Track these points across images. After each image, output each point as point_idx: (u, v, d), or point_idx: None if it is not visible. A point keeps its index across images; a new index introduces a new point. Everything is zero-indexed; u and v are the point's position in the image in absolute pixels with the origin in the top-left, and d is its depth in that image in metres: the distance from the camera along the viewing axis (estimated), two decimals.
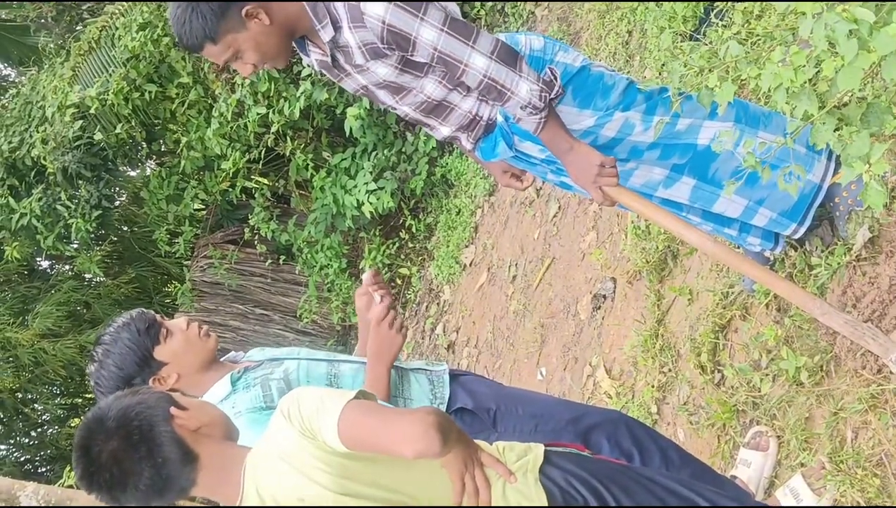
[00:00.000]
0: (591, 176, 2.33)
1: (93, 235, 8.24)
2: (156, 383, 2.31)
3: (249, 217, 7.90)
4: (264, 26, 2.19)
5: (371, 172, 6.87)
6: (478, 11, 6.90)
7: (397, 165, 7.01)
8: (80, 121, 7.50)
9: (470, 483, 1.75)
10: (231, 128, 7.18)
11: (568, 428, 2.34)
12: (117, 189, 9.70)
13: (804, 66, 1.69)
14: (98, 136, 7.53)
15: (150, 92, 7.34)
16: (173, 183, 8.10)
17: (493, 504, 1.75)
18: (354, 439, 1.63)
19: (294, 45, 2.39)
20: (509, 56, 2.22)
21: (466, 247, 6.71)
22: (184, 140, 7.46)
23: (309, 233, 7.49)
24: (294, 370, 2.33)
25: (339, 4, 2.19)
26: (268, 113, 6.95)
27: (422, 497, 1.73)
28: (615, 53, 5.01)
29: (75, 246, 8.77)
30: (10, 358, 10.02)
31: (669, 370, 3.44)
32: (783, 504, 2.55)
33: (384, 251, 7.56)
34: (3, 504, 4.23)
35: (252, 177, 7.79)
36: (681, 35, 4.00)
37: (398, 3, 2.13)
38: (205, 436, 1.80)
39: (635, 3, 4.84)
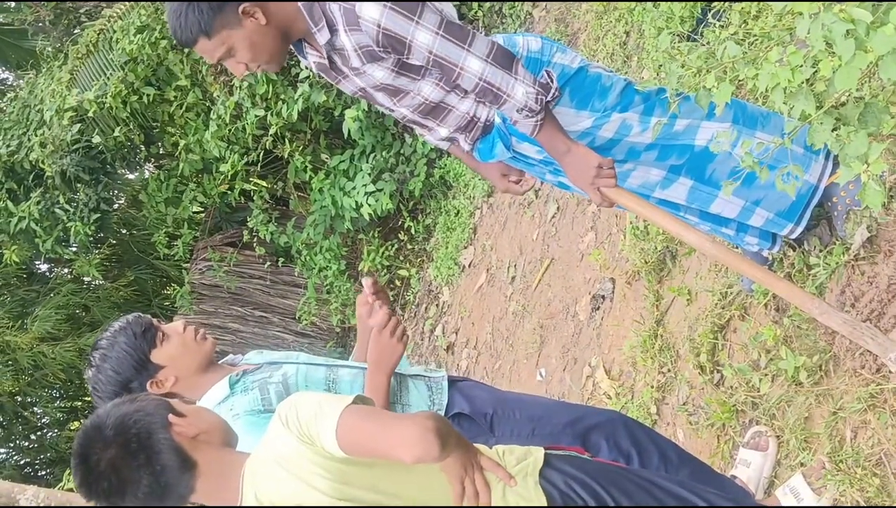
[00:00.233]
0: (589, 177, 2.33)
1: (91, 238, 8.23)
2: (153, 386, 2.31)
3: (248, 219, 7.90)
4: (260, 26, 2.19)
5: (370, 174, 6.87)
6: (475, 12, 6.90)
7: (396, 167, 7.01)
8: (79, 125, 7.49)
9: (470, 486, 1.75)
10: (229, 130, 7.18)
11: (566, 431, 2.34)
12: (116, 192, 9.69)
13: (801, 66, 1.69)
14: (96, 140, 7.52)
15: (148, 95, 7.34)
16: (172, 185, 8.10)
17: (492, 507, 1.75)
18: (353, 444, 1.63)
19: (292, 47, 2.39)
20: (505, 59, 2.22)
21: (465, 248, 6.70)
22: (182, 143, 7.46)
23: (308, 235, 7.49)
24: (292, 374, 2.33)
25: (334, 7, 2.19)
26: (266, 115, 6.94)
27: (421, 500, 1.73)
28: (613, 54, 5.01)
29: (74, 249, 8.76)
30: (10, 362, 10.00)
31: (668, 370, 3.44)
32: (783, 504, 2.55)
33: (383, 253, 7.56)
34: None
35: (250, 179, 7.79)
36: (678, 36, 4.01)
37: (393, 6, 2.13)
38: (203, 443, 1.79)
39: (632, 4, 4.84)
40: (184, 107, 7.43)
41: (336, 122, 7.10)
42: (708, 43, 3.63)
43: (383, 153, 6.98)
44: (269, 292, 8.66)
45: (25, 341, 9.68)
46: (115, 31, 7.44)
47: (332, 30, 2.23)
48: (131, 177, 10.40)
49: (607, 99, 2.46)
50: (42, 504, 4.49)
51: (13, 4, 10.59)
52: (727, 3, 3.70)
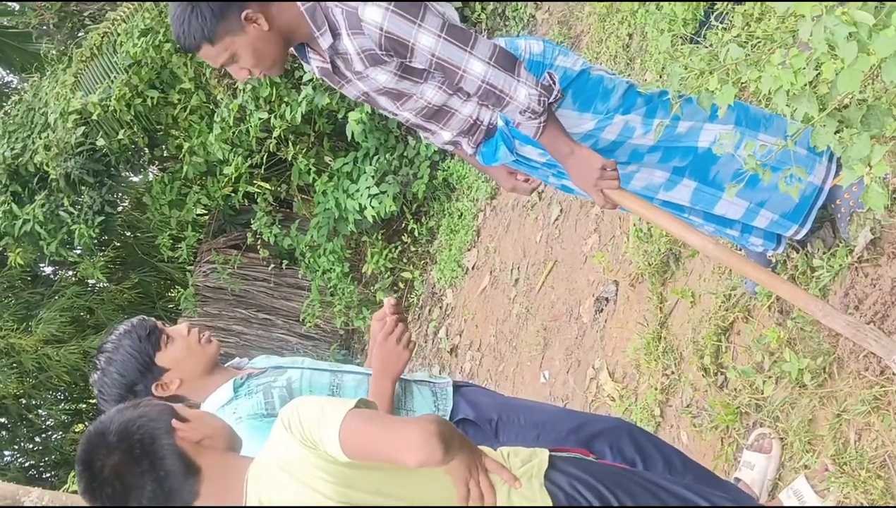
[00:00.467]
0: (593, 179, 2.33)
1: (96, 241, 8.24)
2: (158, 389, 2.31)
3: (252, 222, 7.91)
4: (262, 31, 2.19)
5: (373, 176, 6.87)
6: (478, 15, 6.90)
7: (399, 169, 7.02)
8: (83, 128, 7.51)
9: (475, 488, 1.75)
10: (233, 133, 7.19)
11: (570, 437, 2.34)
12: (120, 194, 9.71)
13: (804, 68, 1.69)
14: (100, 142, 7.54)
15: (152, 98, 7.36)
16: (176, 188, 8.12)
17: None
18: (356, 448, 1.63)
19: (295, 52, 2.39)
20: (507, 61, 2.22)
21: (469, 250, 6.71)
22: (186, 145, 7.47)
23: (311, 237, 7.50)
24: (297, 379, 2.34)
25: (337, 11, 2.19)
26: (269, 118, 6.95)
27: (426, 503, 1.73)
28: (616, 56, 5.01)
29: (78, 251, 8.77)
30: (14, 364, 10.02)
31: (672, 372, 3.44)
32: (787, 507, 2.55)
33: (386, 255, 7.56)
34: None
35: (254, 181, 7.80)
36: (681, 38, 4.01)
37: (396, 9, 2.13)
38: (207, 448, 1.79)
39: (635, 7, 4.85)
40: (187, 110, 7.44)
41: (339, 125, 7.11)
42: (711, 45, 3.63)
43: (387, 155, 6.98)
44: (273, 294, 8.67)
45: (30, 343, 9.70)
46: (119, 34, 7.46)
47: (335, 34, 2.23)
48: (135, 179, 10.42)
49: (610, 101, 2.46)
50: (46, 507, 4.49)
51: (17, 7, 10.62)
52: (730, 6, 3.69)
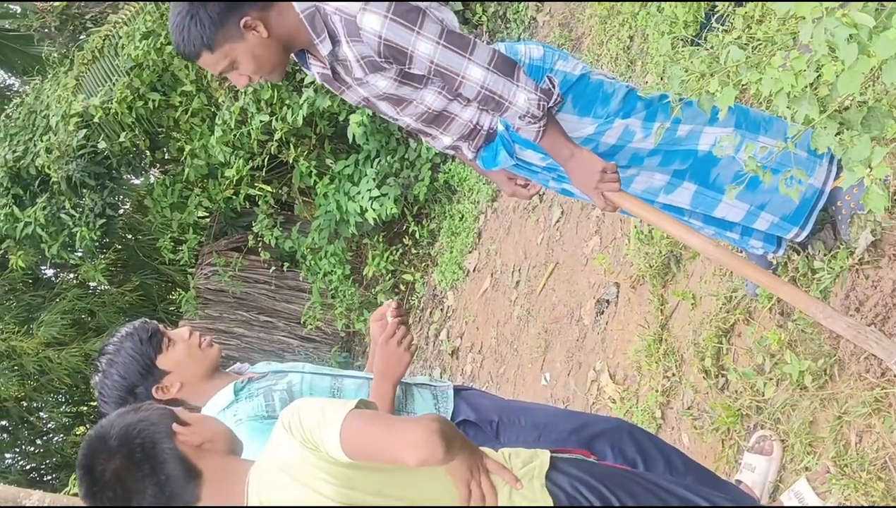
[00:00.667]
0: (593, 182, 2.34)
1: (97, 243, 8.25)
2: (159, 392, 2.32)
3: (253, 224, 7.91)
4: (262, 39, 2.20)
5: (374, 179, 6.88)
6: (479, 17, 6.91)
7: (400, 172, 7.02)
8: (84, 130, 7.52)
9: (476, 489, 1.75)
10: (234, 135, 7.20)
11: (571, 438, 2.34)
12: (121, 197, 9.72)
13: (805, 70, 1.69)
14: (102, 145, 7.55)
15: (153, 100, 7.36)
16: (177, 191, 8.12)
17: None
18: (357, 448, 1.63)
19: (296, 58, 2.40)
20: (506, 66, 2.23)
21: (470, 252, 6.71)
22: (187, 148, 7.48)
23: (312, 239, 7.50)
24: (298, 382, 2.34)
25: (336, 18, 2.20)
26: (271, 120, 6.96)
27: (427, 504, 1.73)
28: (617, 59, 5.02)
29: (80, 254, 8.78)
30: (16, 367, 10.03)
31: (673, 374, 3.44)
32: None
33: (388, 257, 7.57)
34: None
35: (255, 184, 7.81)
36: (682, 40, 4.01)
37: (394, 17, 2.14)
38: (208, 452, 1.79)
39: (636, 8, 4.85)
40: (189, 113, 7.45)
41: (341, 127, 7.12)
42: (711, 47, 3.64)
43: (388, 158, 6.99)
44: (274, 297, 8.67)
45: (31, 346, 9.71)
46: (120, 37, 7.47)
47: (335, 41, 2.24)
48: (137, 182, 10.44)
49: (610, 105, 2.47)
50: None
51: (18, 10, 10.63)
52: (731, 8, 3.70)
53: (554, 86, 2.28)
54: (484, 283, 6.27)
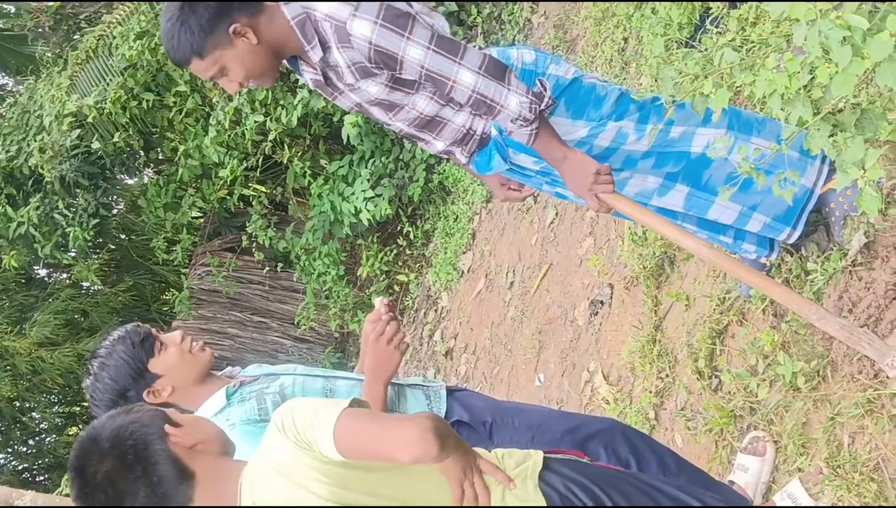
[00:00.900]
0: (587, 184, 2.34)
1: (90, 244, 8.24)
2: (150, 396, 2.31)
3: (247, 224, 7.91)
4: (251, 45, 2.20)
5: (368, 179, 6.88)
6: (474, 19, 6.92)
7: (395, 172, 7.02)
8: (78, 130, 7.50)
9: (469, 489, 1.75)
10: (228, 136, 7.19)
11: (564, 439, 2.35)
12: (115, 197, 9.70)
13: (798, 72, 1.70)
14: (96, 145, 7.53)
15: (147, 100, 7.35)
16: (171, 191, 8.11)
17: None
18: (351, 447, 1.63)
19: (288, 64, 2.40)
20: (497, 70, 2.23)
21: (464, 253, 6.71)
22: (181, 148, 7.47)
23: (307, 240, 7.49)
24: (290, 385, 2.34)
25: (326, 25, 2.19)
26: (265, 121, 6.96)
27: (421, 504, 1.73)
28: (611, 60, 5.03)
29: (73, 254, 8.76)
30: (8, 367, 9.99)
31: (667, 375, 3.45)
32: None
33: (382, 258, 7.56)
34: None
35: (250, 184, 7.80)
36: (677, 42, 4.02)
37: (384, 23, 2.14)
38: (200, 453, 1.79)
39: (631, 9, 4.86)
40: (183, 113, 7.44)
41: (335, 128, 7.11)
42: (706, 49, 3.65)
43: (382, 158, 6.99)
44: (268, 297, 8.66)
45: (24, 346, 9.68)
46: (114, 37, 7.46)
47: (325, 47, 2.24)
48: (130, 182, 10.42)
49: (602, 108, 2.47)
50: None
51: (12, 10, 10.61)
52: (725, 10, 3.71)
53: (545, 89, 2.28)
54: (478, 284, 6.28)
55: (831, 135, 1.75)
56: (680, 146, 2.53)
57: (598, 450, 2.35)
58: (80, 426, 12.76)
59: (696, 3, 3.97)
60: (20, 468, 13.88)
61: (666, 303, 3.66)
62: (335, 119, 6.90)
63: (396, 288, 7.68)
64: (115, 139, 7.48)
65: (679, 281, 3.63)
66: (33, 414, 13.28)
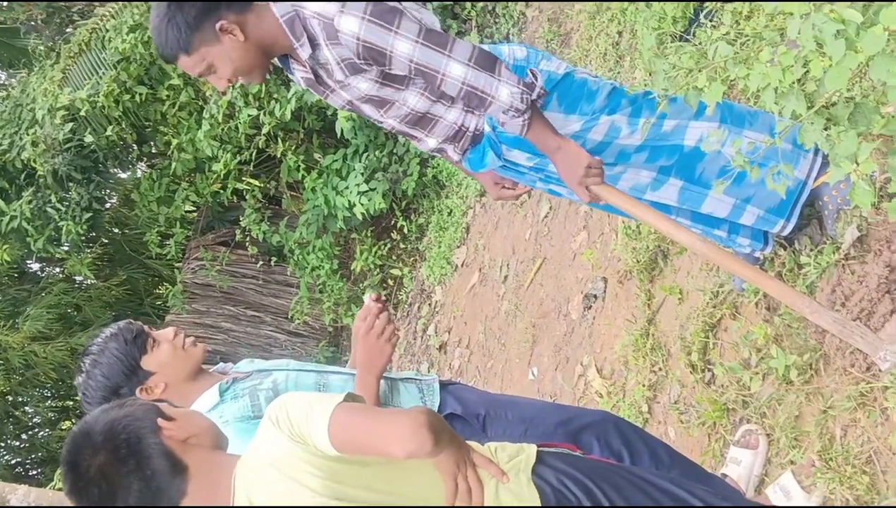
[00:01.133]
0: (579, 175, 2.33)
1: (83, 237, 8.22)
2: (143, 393, 2.31)
3: (241, 218, 7.90)
4: (238, 42, 2.20)
5: (362, 173, 6.87)
6: (468, 13, 6.91)
7: (389, 166, 7.02)
8: (71, 124, 7.48)
9: (462, 483, 1.75)
10: (222, 129, 7.18)
11: (557, 431, 2.35)
12: (108, 191, 9.68)
13: (792, 66, 1.70)
14: (88, 139, 7.51)
15: (140, 94, 7.34)
16: (164, 185, 8.10)
17: (485, 505, 1.75)
18: (345, 441, 1.62)
19: (279, 63, 2.40)
20: (487, 61, 2.22)
21: (458, 247, 6.71)
22: (175, 142, 7.45)
23: (300, 234, 7.49)
24: (283, 380, 2.34)
25: (314, 22, 2.20)
26: (259, 114, 6.95)
27: (415, 498, 1.72)
28: (605, 54, 5.03)
29: (66, 248, 8.75)
30: (1, 362, 9.98)
31: (660, 369, 3.46)
32: (773, 502, 2.56)
33: (376, 252, 7.56)
34: None
35: (243, 178, 7.79)
36: (671, 35, 4.02)
37: (371, 18, 2.14)
38: (194, 447, 1.78)
39: (625, 5, 4.86)
40: (176, 106, 7.42)
41: (329, 122, 7.11)
42: (700, 43, 3.65)
43: (376, 152, 6.98)
44: (262, 291, 8.66)
45: (17, 340, 9.66)
46: (107, 30, 7.44)
47: (314, 44, 2.24)
48: (123, 176, 10.39)
49: (595, 102, 2.47)
50: (33, 504, 4.48)
51: (5, 4, 10.56)
52: (719, 4, 3.71)
53: (536, 79, 2.28)
54: (472, 278, 6.28)
55: (825, 129, 1.75)
56: (673, 140, 2.54)
57: (590, 442, 2.35)
58: (73, 420, 12.75)
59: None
60: (13, 462, 13.87)
61: (659, 297, 3.67)
62: (329, 113, 6.89)
63: (390, 282, 7.68)
64: (108, 133, 7.46)
65: (672, 275, 3.64)
66: (26, 408, 13.26)
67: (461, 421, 2.39)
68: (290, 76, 2.47)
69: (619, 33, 4.98)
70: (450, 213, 6.92)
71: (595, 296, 4.32)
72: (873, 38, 1.49)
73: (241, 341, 8.48)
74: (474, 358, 5.85)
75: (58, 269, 11.46)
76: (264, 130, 7.00)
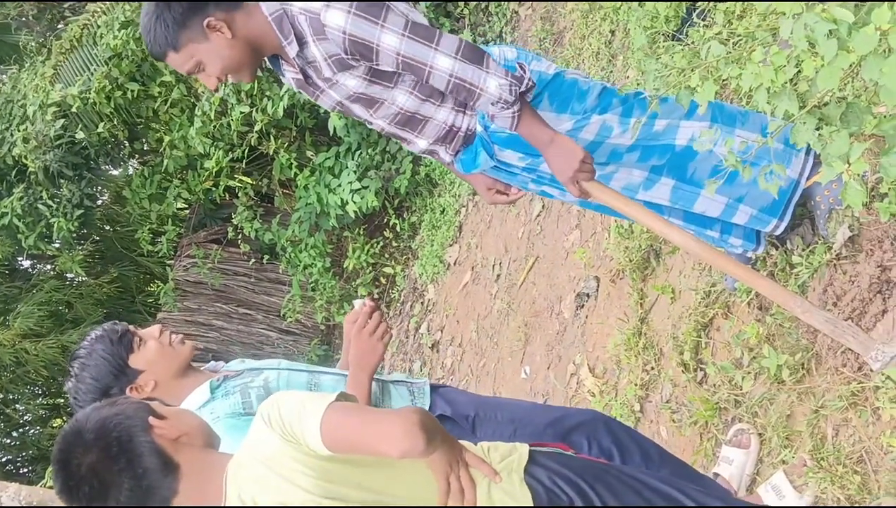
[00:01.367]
0: (572, 168, 2.32)
1: (75, 235, 8.18)
2: (133, 392, 2.31)
3: (233, 216, 7.88)
4: (226, 40, 2.21)
5: (355, 171, 6.86)
6: (461, 11, 6.90)
7: (381, 164, 7.01)
8: (62, 120, 7.44)
9: (455, 483, 1.75)
10: (214, 127, 7.16)
11: (547, 432, 2.36)
12: (99, 188, 9.65)
13: (785, 66, 1.70)
14: (80, 135, 7.48)
15: (132, 90, 7.30)
16: (156, 182, 8.07)
17: (478, 505, 1.75)
18: (338, 441, 1.62)
19: (270, 64, 2.40)
20: (474, 54, 2.22)
21: (451, 246, 6.71)
22: (167, 139, 7.43)
23: (293, 232, 7.47)
24: (274, 379, 2.34)
25: (301, 19, 2.20)
26: (251, 112, 6.93)
27: (407, 498, 1.72)
28: (598, 53, 5.03)
29: (57, 245, 8.71)
30: None
31: (652, 368, 3.46)
32: (765, 502, 2.57)
33: (368, 250, 7.55)
34: None
35: (235, 176, 7.77)
36: (664, 35, 4.02)
37: (357, 12, 2.14)
38: (185, 445, 1.78)
39: (618, 4, 4.86)
40: (168, 103, 7.39)
41: (322, 119, 7.09)
42: (692, 42, 3.65)
43: (369, 150, 6.97)
44: (254, 289, 8.64)
45: (7, 338, 9.63)
46: (99, 27, 7.41)
47: (302, 42, 2.24)
48: (115, 173, 10.36)
49: (586, 101, 2.47)
50: (24, 503, 4.47)
51: None
52: (712, 4, 3.71)
53: (525, 71, 2.28)
54: (464, 277, 6.28)
55: (817, 129, 1.75)
56: (664, 139, 2.54)
57: (580, 441, 2.36)
58: (64, 418, 12.71)
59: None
60: (4, 460, 13.81)
61: (651, 296, 3.67)
62: (321, 110, 6.87)
63: (383, 280, 7.67)
64: (100, 129, 7.43)
65: (665, 274, 3.64)
66: (17, 405, 13.22)
67: (450, 423, 2.39)
68: (281, 77, 2.47)
69: (612, 32, 4.98)
70: (442, 212, 6.92)
71: (587, 295, 4.32)
72: (865, 37, 1.49)
73: (233, 339, 8.46)
74: (467, 356, 5.85)
75: (49, 266, 11.42)
76: (257, 127, 6.98)
